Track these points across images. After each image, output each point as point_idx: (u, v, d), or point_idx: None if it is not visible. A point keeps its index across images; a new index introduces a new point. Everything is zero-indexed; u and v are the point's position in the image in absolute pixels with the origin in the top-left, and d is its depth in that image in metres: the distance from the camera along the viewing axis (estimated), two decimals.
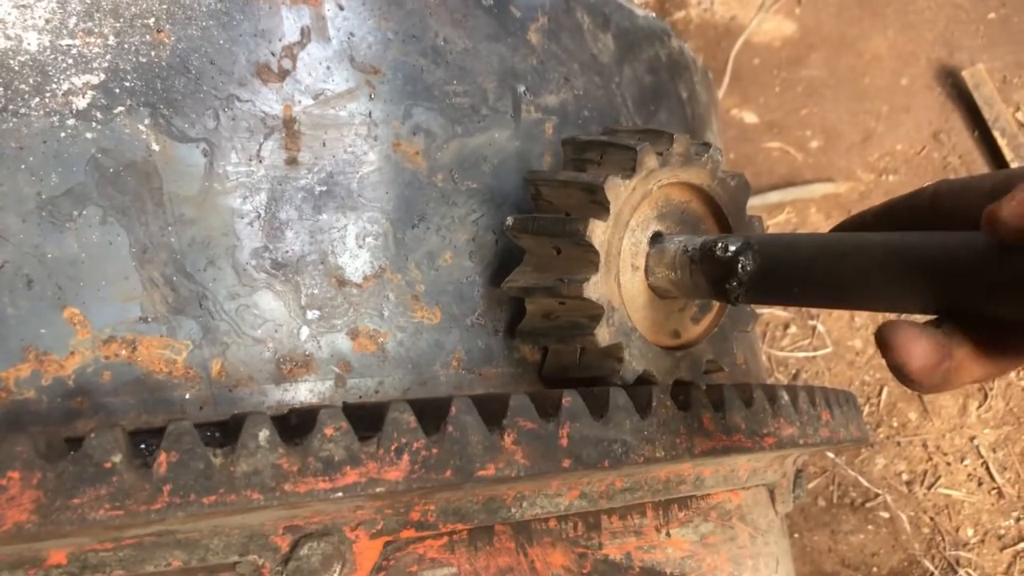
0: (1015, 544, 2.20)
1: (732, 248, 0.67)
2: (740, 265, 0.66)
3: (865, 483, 2.29)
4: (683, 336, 0.82)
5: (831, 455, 2.30)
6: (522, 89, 0.83)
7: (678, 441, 0.69)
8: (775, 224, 2.58)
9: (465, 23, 0.81)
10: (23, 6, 0.66)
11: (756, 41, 2.86)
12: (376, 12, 0.76)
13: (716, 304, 0.83)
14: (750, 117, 2.77)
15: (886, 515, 2.27)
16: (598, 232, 0.70)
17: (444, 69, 0.79)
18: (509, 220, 0.74)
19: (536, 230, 0.72)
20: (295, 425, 0.61)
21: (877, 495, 2.28)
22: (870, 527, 2.27)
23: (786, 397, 0.81)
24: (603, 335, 0.72)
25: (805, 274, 0.61)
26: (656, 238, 0.77)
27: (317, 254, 0.70)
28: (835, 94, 2.75)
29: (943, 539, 2.22)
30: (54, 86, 0.66)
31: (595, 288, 0.70)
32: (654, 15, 1.02)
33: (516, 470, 0.62)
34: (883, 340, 0.52)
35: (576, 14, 0.90)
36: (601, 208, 0.70)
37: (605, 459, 0.65)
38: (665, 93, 1.01)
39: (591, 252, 0.70)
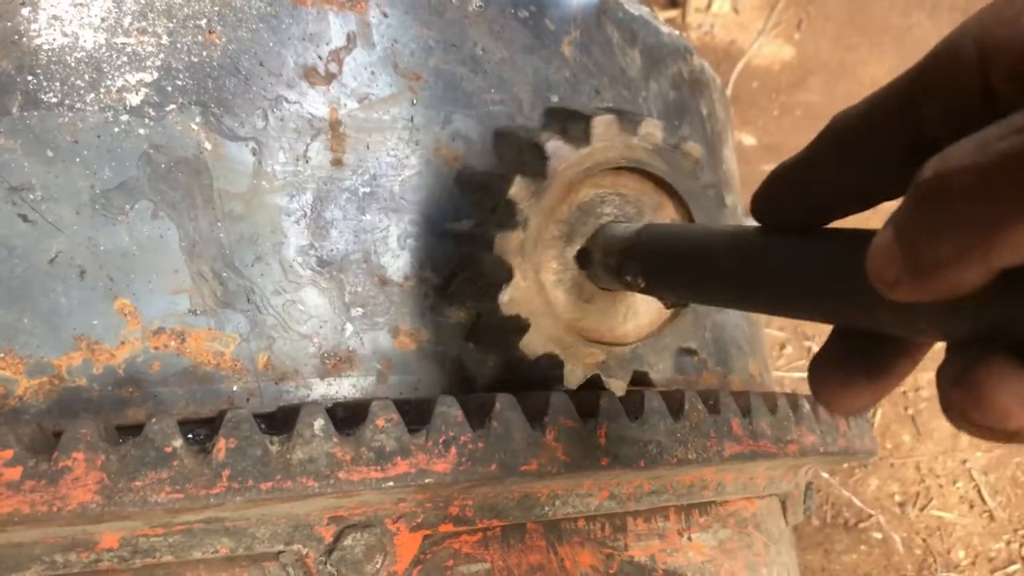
0: (1006, 567, 2.23)
1: (628, 232, 0.65)
2: (634, 249, 0.63)
3: (858, 503, 2.31)
4: (615, 334, 0.74)
5: (825, 475, 2.32)
6: (555, 100, 0.85)
7: (708, 444, 0.71)
8: None
9: (503, 34, 0.83)
10: (80, 4, 0.67)
11: (755, 65, 2.91)
12: (418, 20, 0.78)
13: (665, 313, 0.76)
14: (748, 139, 2.81)
15: (879, 536, 2.29)
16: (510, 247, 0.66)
17: (482, 78, 0.81)
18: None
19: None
20: (342, 418, 0.62)
21: (870, 516, 2.30)
22: (863, 547, 2.29)
23: (807, 406, 0.83)
24: (528, 346, 0.68)
25: (687, 271, 0.59)
26: (597, 231, 0.70)
27: (361, 253, 0.72)
28: None
29: (935, 560, 2.24)
30: (108, 82, 0.67)
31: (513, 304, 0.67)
32: (678, 33, 1.05)
33: (557, 466, 0.63)
34: (973, 396, 0.33)
35: (606, 29, 0.92)
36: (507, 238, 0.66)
37: (641, 459, 0.67)
38: (687, 109, 1.03)
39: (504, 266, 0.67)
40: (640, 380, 0.73)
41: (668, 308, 0.73)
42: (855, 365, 0.45)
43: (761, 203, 0.50)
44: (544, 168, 0.65)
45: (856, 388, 0.45)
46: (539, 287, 0.67)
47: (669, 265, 0.61)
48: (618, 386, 0.70)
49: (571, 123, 0.68)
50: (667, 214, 0.74)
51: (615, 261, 0.65)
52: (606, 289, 0.71)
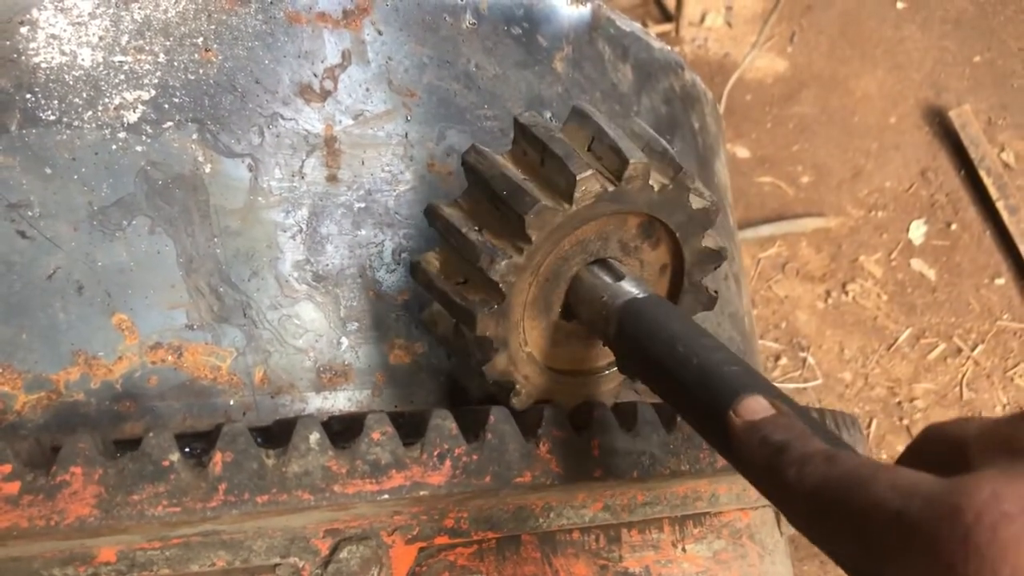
0: None
1: (608, 304, 0.66)
2: (611, 326, 0.66)
3: None
4: (589, 364, 0.77)
5: None
6: (548, 115, 0.86)
7: (701, 456, 0.72)
8: (766, 257, 2.62)
9: (496, 50, 0.84)
10: (78, 23, 0.68)
11: (749, 78, 2.92)
12: (413, 37, 0.79)
13: None
14: (742, 152, 2.82)
15: None
16: (488, 325, 0.65)
17: (476, 94, 0.82)
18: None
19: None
20: (337, 431, 0.63)
21: None
22: None
23: None
24: (492, 369, 0.68)
25: (652, 373, 0.63)
26: (584, 271, 0.70)
27: (356, 268, 0.72)
28: (826, 131, 2.81)
29: None
30: (106, 100, 0.68)
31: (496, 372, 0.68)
32: (670, 48, 1.06)
33: (551, 478, 0.64)
34: None
35: (598, 44, 0.93)
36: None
37: (634, 470, 0.67)
38: (679, 123, 1.04)
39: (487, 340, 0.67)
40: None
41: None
42: None
43: None
44: (526, 237, 0.62)
45: None
46: (519, 346, 0.69)
47: (638, 362, 0.64)
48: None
49: (553, 173, 0.63)
50: (656, 255, 0.74)
51: (601, 325, 0.67)
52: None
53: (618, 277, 0.68)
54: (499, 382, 0.69)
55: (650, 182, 0.66)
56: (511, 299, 0.65)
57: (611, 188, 0.63)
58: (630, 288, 0.67)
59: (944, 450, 0.49)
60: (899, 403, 2.42)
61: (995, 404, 2.38)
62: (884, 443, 2.39)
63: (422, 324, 0.73)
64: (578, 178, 0.61)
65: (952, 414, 2.38)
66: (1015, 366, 2.42)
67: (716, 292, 0.79)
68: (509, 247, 0.63)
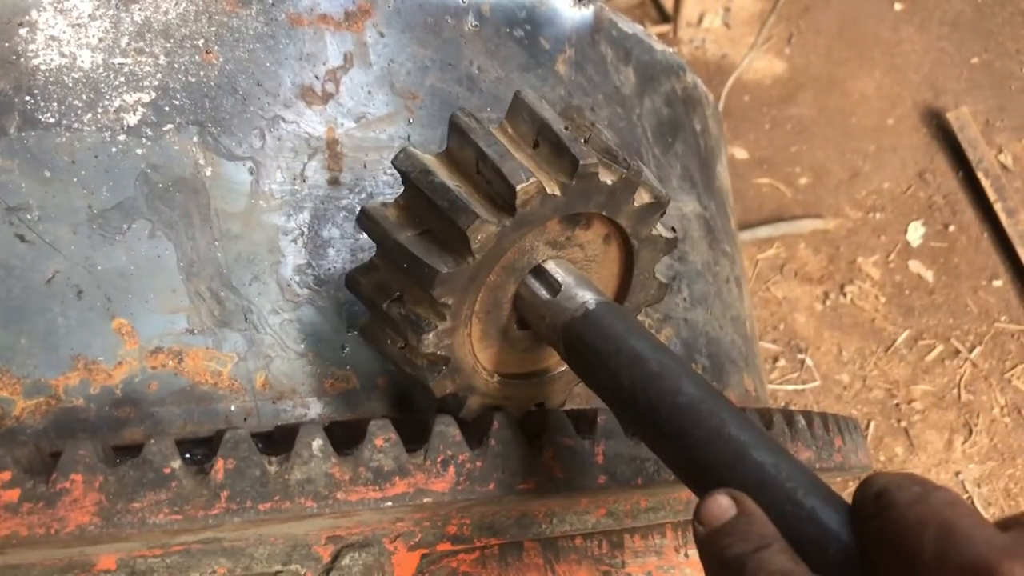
0: None
1: (554, 325, 0.63)
2: (559, 345, 0.63)
3: None
4: (548, 361, 0.73)
5: None
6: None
7: None
8: (764, 258, 2.62)
9: (498, 53, 0.83)
10: (77, 25, 0.68)
11: (747, 79, 2.92)
12: (415, 40, 0.79)
13: None
14: (740, 153, 2.82)
15: None
16: (433, 337, 0.61)
17: (478, 96, 0.81)
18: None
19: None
20: (339, 437, 0.62)
21: None
22: None
23: (803, 422, 0.83)
24: (439, 387, 0.64)
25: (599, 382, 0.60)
26: (522, 288, 0.66)
27: None
28: (824, 132, 2.81)
29: None
30: (106, 103, 0.67)
31: (433, 344, 0.62)
32: (672, 50, 1.06)
33: (555, 485, 0.63)
34: None
35: (600, 47, 0.93)
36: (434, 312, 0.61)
37: (638, 476, 0.67)
38: (681, 126, 1.04)
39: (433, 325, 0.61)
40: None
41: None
42: None
43: None
44: (467, 250, 0.57)
45: None
46: (468, 356, 0.65)
47: (594, 373, 0.60)
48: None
49: (494, 180, 0.58)
50: (593, 231, 0.68)
51: (552, 336, 0.63)
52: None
53: (554, 291, 0.63)
54: (445, 398, 0.66)
55: (602, 179, 0.60)
56: (455, 313, 0.60)
57: (558, 194, 0.58)
58: (567, 304, 0.62)
59: None
60: (897, 405, 2.42)
61: (993, 405, 2.38)
62: (882, 445, 2.39)
63: (360, 334, 0.68)
64: (517, 189, 0.56)
65: (950, 416, 2.38)
66: (1013, 368, 2.42)
67: (666, 280, 0.75)
68: (450, 261, 0.57)
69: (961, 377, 2.43)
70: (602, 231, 0.68)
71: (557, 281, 0.63)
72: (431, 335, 0.60)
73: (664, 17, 3.01)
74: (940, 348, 2.47)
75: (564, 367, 0.72)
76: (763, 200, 2.73)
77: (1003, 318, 2.49)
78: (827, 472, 0.87)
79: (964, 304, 2.52)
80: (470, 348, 0.65)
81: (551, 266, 0.64)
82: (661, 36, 2.96)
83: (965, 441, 2.36)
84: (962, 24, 2.94)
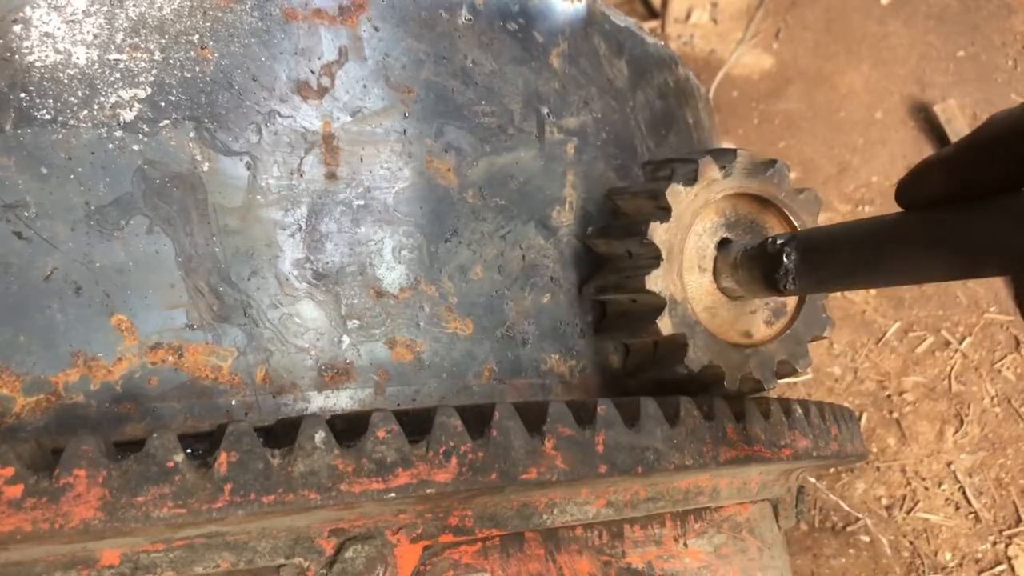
0: (992, 568, 2.24)
1: (779, 242, 0.73)
2: (785, 255, 0.72)
3: (846, 507, 2.32)
4: (755, 336, 0.87)
5: (812, 479, 2.34)
6: (545, 111, 0.86)
7: (705, 449, 0.72)
8: None
9: (492, 46, 0.83)
10: (72, 21, 0.68)
11: (735, 74, 2.93)
12: (409, 34, 0.79)
13: (790, 309, 0.88)
14: None
15: (867, 539, 2.30)
16: (659, 232, 0.78)
17: (473, 90, 0.81)
18: (590, 229, 0.86)
19: (610, 235, 0.83)
20: (341, 430, 0.62)
21: (858, 519, 2.32)
22: (851, 551, 2.30)
23: (800, 411, 0.84)
24: (665, 325, 0.78)
25: (843, 260, 0.68)
26: (723, 243, 0.83)
27: (356, 266, 0.72)
28: (812, 127, 2.82)
29: (922, 563, 2.26)
30: (102, 99, 0.67)
31: (657, 281, 0.78)
32: (663, 43, 1.06)
33: (556, 474, 0.64)
34: None
35: (594, 40, 0.93)
36: (663, 212, 0.78)
37: (638, 465, 0.67)
38: (674, 118, 1.04)
39: (653, 249, 0.78)
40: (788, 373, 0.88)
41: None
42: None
43: (909, 187, 0.60)
44: (694, 174, 0.78)
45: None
46: (688, 308, 0.79)
47: (827, 260, 0.70)
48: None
49: (679, 167, 0.81)
50: (772, 224, 0.85)
51: (761, 272, 0.75)
52: (735, 299, 0.83)
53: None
54: (675, 343, 0.79)
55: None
56: (673, 264, 0.78)
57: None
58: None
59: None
60: (888, 396, 2.43)
61: (983, 396, 2.39)
62: (874, 436, 2.40)
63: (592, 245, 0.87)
64: (699, 162, 0.79)
65: (941, 407, 2.39)
66: (1002, 358, 2.43)
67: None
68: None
69: (952, 368, 2.44)
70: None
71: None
72: (652, 274, 0.77)
73: (652, 13, 3.02)
74: (930, 339, 2.48)
75: (765, 344, 0.85)
76: None
77: (992, 309, 2.50)
78: (824, 460, 0.87)
79: (954, 295, 2.54)
80: (685, 296, 0.80)
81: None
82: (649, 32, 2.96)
83: (956, 431, 2.37)
84: (948, 18, 2.95)
